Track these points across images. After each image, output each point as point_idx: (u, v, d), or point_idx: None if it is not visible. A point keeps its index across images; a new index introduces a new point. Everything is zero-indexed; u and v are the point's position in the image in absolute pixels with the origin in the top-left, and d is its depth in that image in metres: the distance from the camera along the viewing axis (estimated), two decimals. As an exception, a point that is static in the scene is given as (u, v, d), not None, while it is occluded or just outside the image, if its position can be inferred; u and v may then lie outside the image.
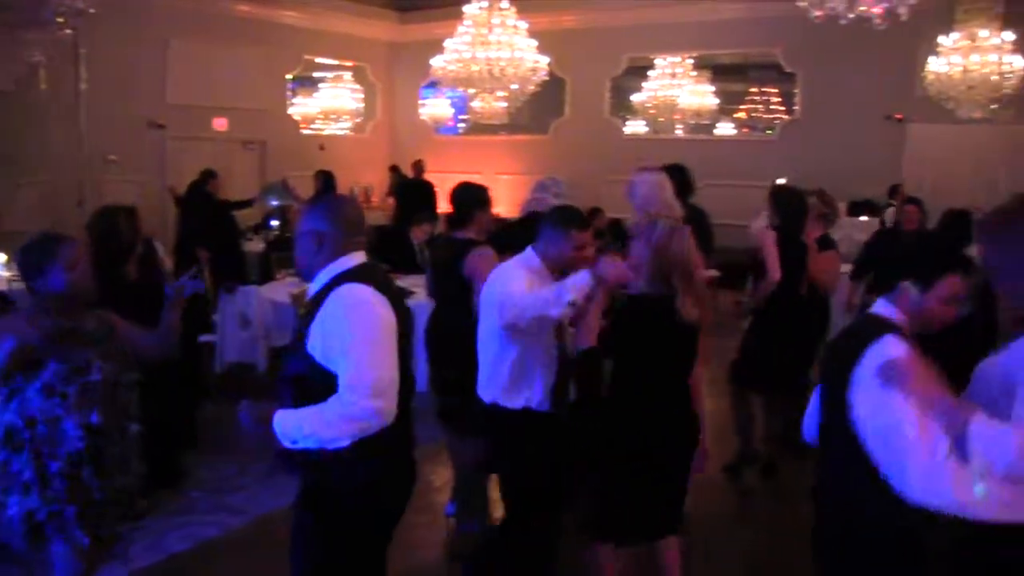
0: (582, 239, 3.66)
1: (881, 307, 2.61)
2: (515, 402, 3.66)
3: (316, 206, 2.98)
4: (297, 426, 2.61)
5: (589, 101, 15.78)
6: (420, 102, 17.70)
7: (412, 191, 13.39)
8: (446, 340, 4.74)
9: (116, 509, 3.25)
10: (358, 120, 17.69)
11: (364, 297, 2.69)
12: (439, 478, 5.60)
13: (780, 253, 5.51)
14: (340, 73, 17.35)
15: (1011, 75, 10.18)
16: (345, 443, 2.59)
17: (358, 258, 2.83)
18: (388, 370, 2.65)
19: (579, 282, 3.33)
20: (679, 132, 16.15)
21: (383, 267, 3.12)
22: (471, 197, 4.95)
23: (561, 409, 3.72)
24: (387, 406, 2.60)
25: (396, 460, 2.87)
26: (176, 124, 13.62)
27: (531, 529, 3.79)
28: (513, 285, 3.56)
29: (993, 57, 10.14)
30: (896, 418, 2.28)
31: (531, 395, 3.64)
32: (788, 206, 5.75)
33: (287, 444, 2.63)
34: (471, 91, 11.10)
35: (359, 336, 2.62)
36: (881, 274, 2.63)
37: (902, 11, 5.20)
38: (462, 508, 4.99)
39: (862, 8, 5.36)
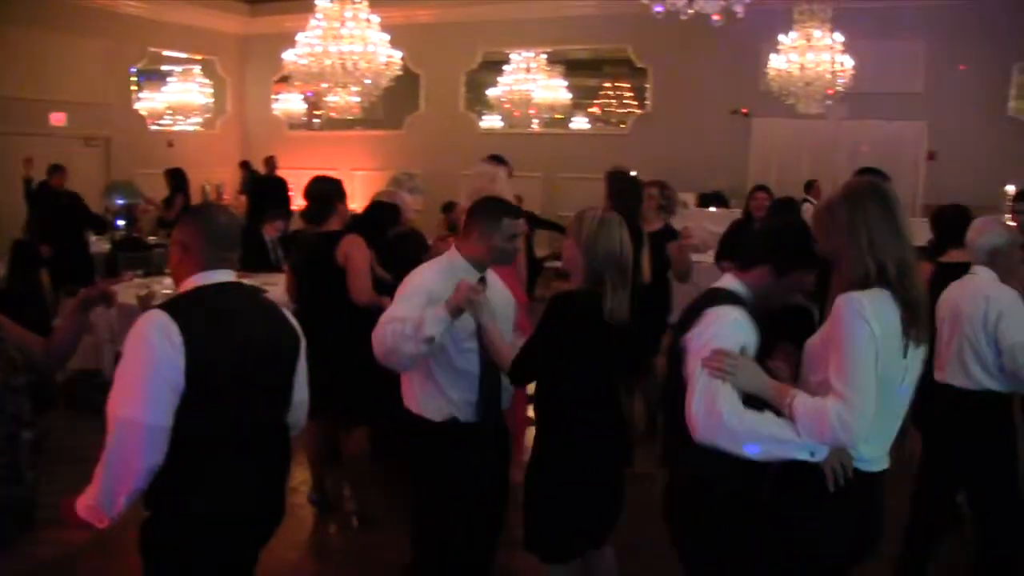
0: (518, 227, 3.50)
1: (730, 281, 2.75)
2: (435, 413, 3.46)
3: (188, 216, 2.88)
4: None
5: (444, 96, 15.76)
6: (273, 97, 17.31)
7: (264, 188, 13.10)
8: (314, 339, 4.66)
9: (6, 520, 3.03)
10: (208, 116, 17.14)
11: (149, 329, 2.53)
12: (293, 479, 5.48)
13: None
14: (189, 67, 16.77)
15: (842, 74, 10.76)
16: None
17: (218, 276, 2.70)
18: (136, 409, 2.49)
19: (437, 317, 3.19)
20: (535, 126, 16.33)
21: (251, 288, 2.89)
22: (330, 190, 4.89)
23: (493, 421, 3.54)
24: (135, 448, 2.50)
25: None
26: (7, 118, 12.86)
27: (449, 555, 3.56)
28: (400, 306, 3.34)
29: (826, 56, 10.69)
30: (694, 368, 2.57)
31: (453, 406, 3.43)
32: (622, 190, 5.81)
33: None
34: (324, 86, 10.91)
35: (128, 365, 2.53)
36: (742, 254, 2.70)
37: (738, 9, 5.40)
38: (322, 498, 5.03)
39: (700, 4, 5.51)
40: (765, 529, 2.67)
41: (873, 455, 2.57)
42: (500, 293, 3.59)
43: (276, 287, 6.04)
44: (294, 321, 2.90)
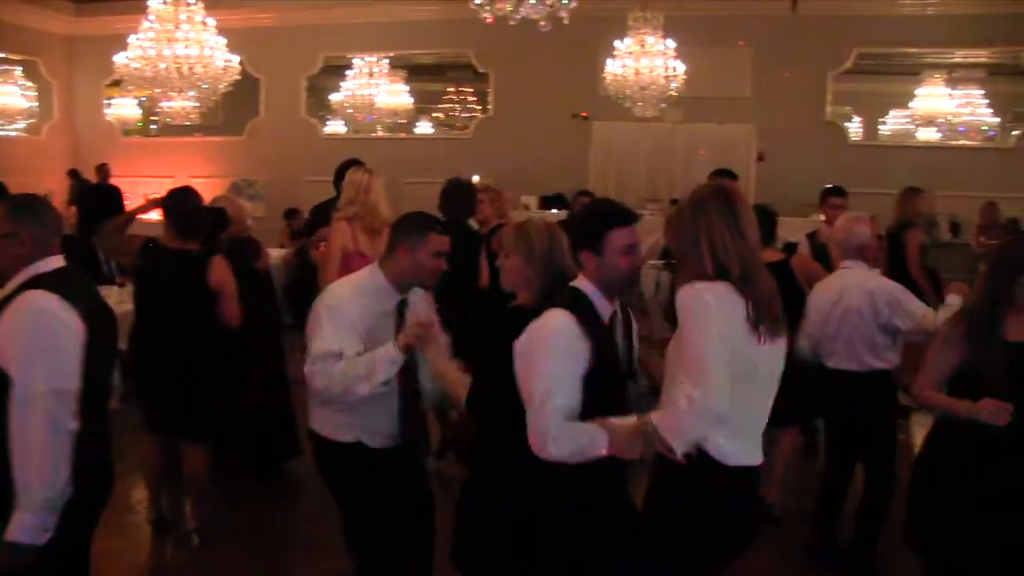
0: (442, 244, 3.33)
1: (578, 281, 2.79)
2: (341, 434, 3.36)
3: (9, 206, 2.82)
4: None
5: (285, 101, 15.44)
6: (105, 102, 16.57)
7: (96, 197, 12.54)
8: (168, 356, 4.57)
9: None
10: (32, 121, 16.21)
11: (45, 306, 2.60)
12: (130, 497, 5.30)
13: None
14: (9, 68, 15.81)
15: (675, 78, 11.19)
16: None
17: (55, 263, 2.75)
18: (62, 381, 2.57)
19: (390, 358, 3.13)
20: (379, 132, 16.24)
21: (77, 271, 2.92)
22: (197, 205, 4.77)
23: (415, 448, 3.48)
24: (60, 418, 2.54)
25: (90, 472, 2.72)
26: None
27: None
28: (331, 338, 3.19)
29: (660, 61, 11.09)
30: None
31: (362, 432, 3.33)
32: (454, 199, 5.82)
33: None
34: (158, 91, 10.54)
35: (33, 344, 2.55)
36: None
37: (563, 15, 5.55)
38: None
39: (527, 10, 5.63)
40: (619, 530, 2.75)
41: (734, 447, 2.60)
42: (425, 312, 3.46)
43: (108, 299, 5.81)
44: None
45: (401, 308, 3.34)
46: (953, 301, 4.12)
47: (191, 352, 4.57)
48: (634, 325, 3.00)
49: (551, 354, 2.58)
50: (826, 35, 13.14)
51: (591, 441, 2.50)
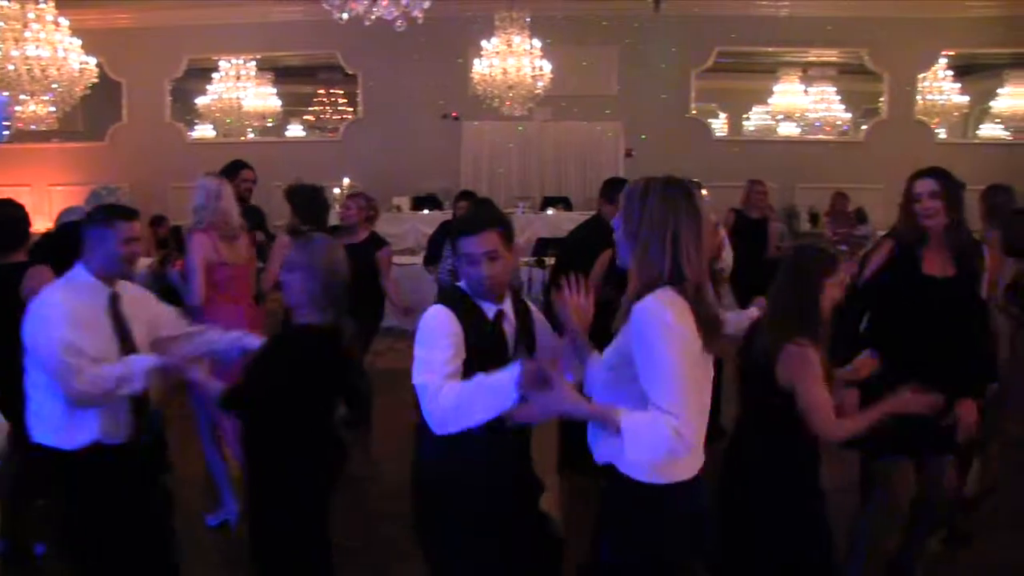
0: (130, 230, 3.33)
1: (463, 281, 2.88)
2: (74, 441, 3.24)
3: None
4: None
5: (148, 104, 14.92)
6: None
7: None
8: None
9: None
10: None
11: None
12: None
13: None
14: None
15: (542, 77, 11.35)
16: None
17: None
18: None
19: (146, 367, 3.17)
20: (250, 135, 15.92)
21: None
22: (18, 215, 4.51)
23: (142, 438, 3.40)
24: None
25: None
26: None
27: None
28: (52, 331, 3.15)
29: (527, 61, 11.23)
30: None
31: (94, 429, 3.24)
32: (305, 203, 5.73)
33: None
34: (6, 94, 10.10)
35: None
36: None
37: (417, 14, 5.57)
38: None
39: (381, 10, 5.64)
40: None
41: (684, 463, 2.50)
42: (138, 300, 3.49)
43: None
44: None
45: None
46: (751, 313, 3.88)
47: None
48: (534, 317, 3.02)
49: (426, 343, 2.74)
50: (688, 34, 13.58)
51: (480, 386, 2.60)
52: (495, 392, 2.53)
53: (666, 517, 2.49)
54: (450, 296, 2.88)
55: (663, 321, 2.32)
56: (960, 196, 3.66)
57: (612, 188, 5.69)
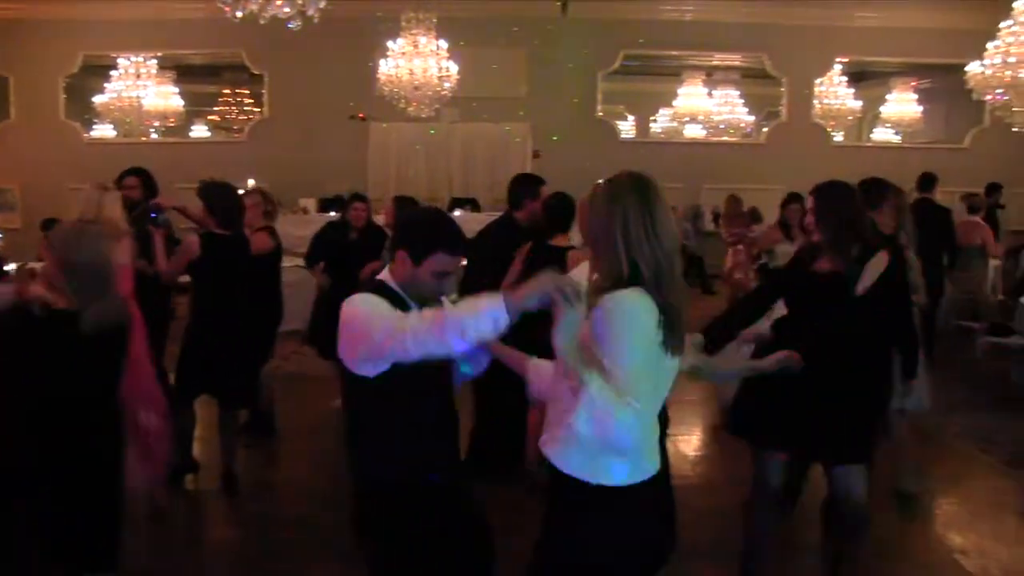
0: None
1: (384, 272, 2.78)
2: None
3: None
4: None
5: (40, 103, 14.37)
6: None
7: None
8: None
9: None
10: None
11: None
12: None
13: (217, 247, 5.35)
14: None
15: (449, 78, 11.33)
16: None
17: None
18: None
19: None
20: (152, 136, 15.51)
21: None
22: None
23: None
24: None
25: None
26: None
27: None
28: None
29: (433, 62, 11.20)
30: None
31: None
32: (220, 201, 5.47)
33: None
34: None
35: None
36: (391, 242, 2.70)
37: (313, 13, 5.50)
38: None
39: (275, 6, 5.56)
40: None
41: (633, 466, 2.46)
42: None
43: None
44: None
45: None
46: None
47: None
48: None
49: (364, 317, 2.57)
50: (595, 37, 13.74)
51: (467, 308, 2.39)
52: (478, 307, 2.36)
53: (620, 519, 2.45)
54: (380, 288, 2.71)
55: (629, 312, 2.31)
56: (839, 207, 3.70)
57: (520, 187, 5.70)
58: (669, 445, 3.82)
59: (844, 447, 3.72)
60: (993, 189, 10.66)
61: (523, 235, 5.49)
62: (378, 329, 2.48)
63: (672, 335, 2.36)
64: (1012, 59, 9.03)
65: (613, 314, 2.32)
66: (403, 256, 2.69)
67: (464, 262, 3.00)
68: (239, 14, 5.47)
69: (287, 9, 5.48)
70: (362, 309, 2.59)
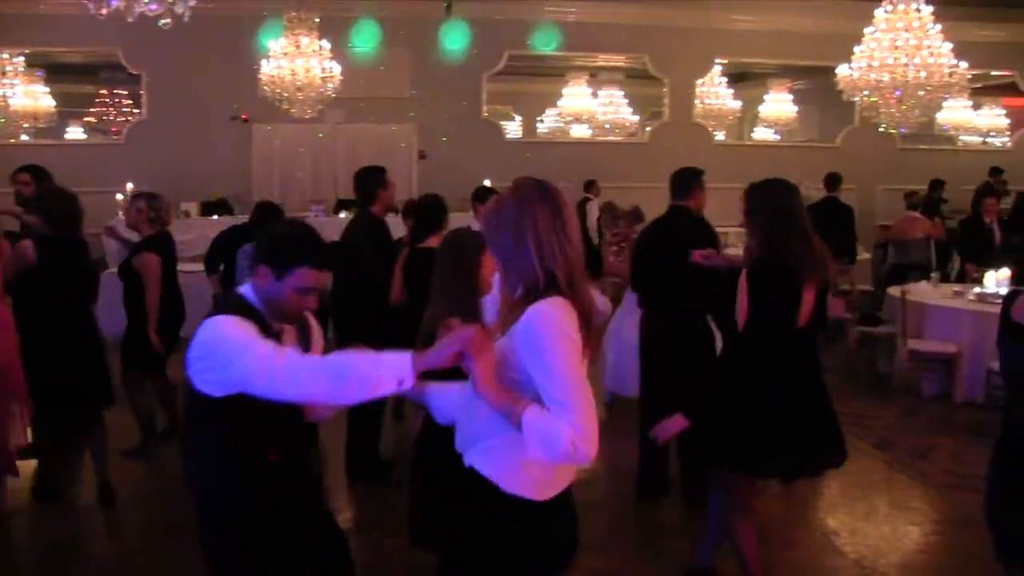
0: None
1: (246, 288, 2.70)
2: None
3: None
4: None
5: None
6: None
7: None
8: None
9: None
10: None
11: None
12: None
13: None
14: None
15: (332, 79, 11.23)
16: None
17: None
18: None
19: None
20: (25, 137, 14.87)
21: None
22: None
23: None
24: None
25: None
26: None
27: None
28: None
29: (315, 62, 11.08)
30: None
31: None
32: (59, 209, 5.28)
33: None
34: None
35: None
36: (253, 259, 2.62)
37: (181, 10, 5.41)
38: None
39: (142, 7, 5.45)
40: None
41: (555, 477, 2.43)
42: None
43: None
44: None
45: None
46: None
47: None
48: (314, 332, 2.93)
49: (235, 345, 2.48)
50: (479, 38, 13.78)
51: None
52: (382, 366, 2.29)
53: (538, 528, 2.40)
54: (238, 307, 2.64)
55: (554, 323, 2.25)
56: (758, 201, 3.84)
57: (367, 179, 5.76)
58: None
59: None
60: (835, 181, 10.88)
61: (384, 229, 5.56)
62: (248, 361, 2.41)
63: (589, 337, 2.33)
64: (876, 63, 9.44)
65: (537, 326, 2.26)
66: (265, 271, 2.64)
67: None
68: (104, 11, 5.31)
69: (155, 7, 5.34)
70: (234, 334, 2.50)
